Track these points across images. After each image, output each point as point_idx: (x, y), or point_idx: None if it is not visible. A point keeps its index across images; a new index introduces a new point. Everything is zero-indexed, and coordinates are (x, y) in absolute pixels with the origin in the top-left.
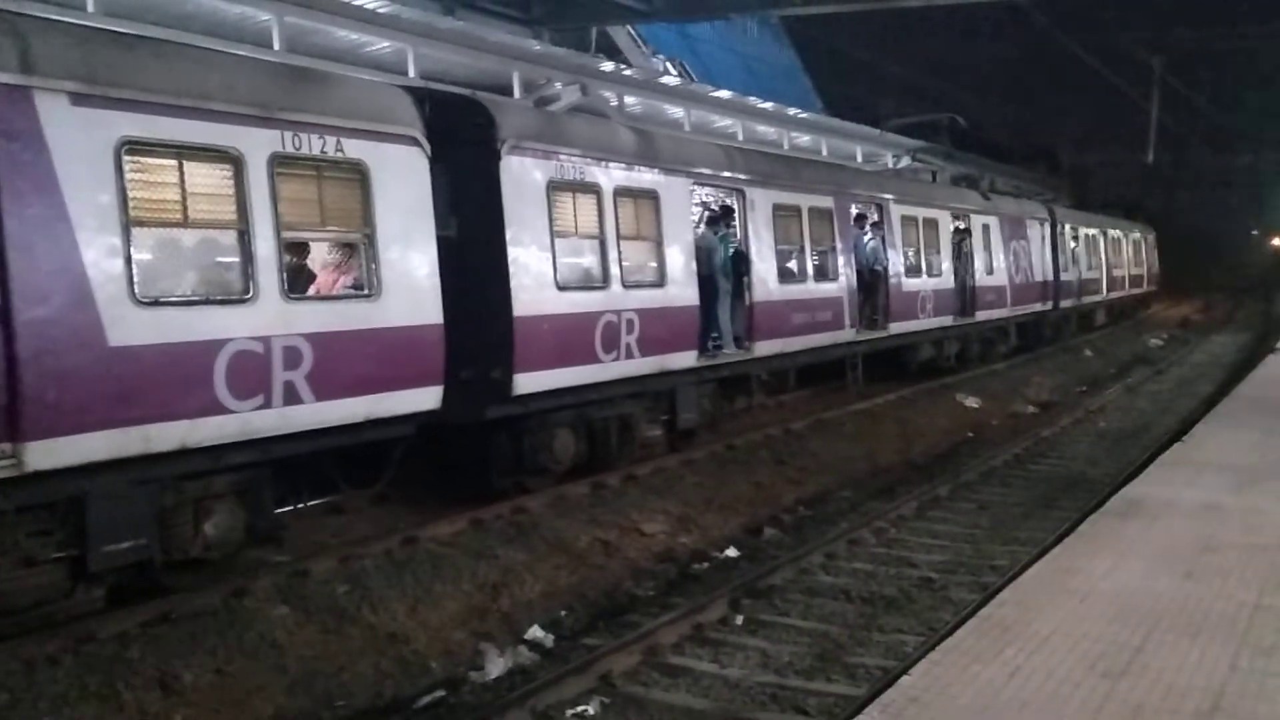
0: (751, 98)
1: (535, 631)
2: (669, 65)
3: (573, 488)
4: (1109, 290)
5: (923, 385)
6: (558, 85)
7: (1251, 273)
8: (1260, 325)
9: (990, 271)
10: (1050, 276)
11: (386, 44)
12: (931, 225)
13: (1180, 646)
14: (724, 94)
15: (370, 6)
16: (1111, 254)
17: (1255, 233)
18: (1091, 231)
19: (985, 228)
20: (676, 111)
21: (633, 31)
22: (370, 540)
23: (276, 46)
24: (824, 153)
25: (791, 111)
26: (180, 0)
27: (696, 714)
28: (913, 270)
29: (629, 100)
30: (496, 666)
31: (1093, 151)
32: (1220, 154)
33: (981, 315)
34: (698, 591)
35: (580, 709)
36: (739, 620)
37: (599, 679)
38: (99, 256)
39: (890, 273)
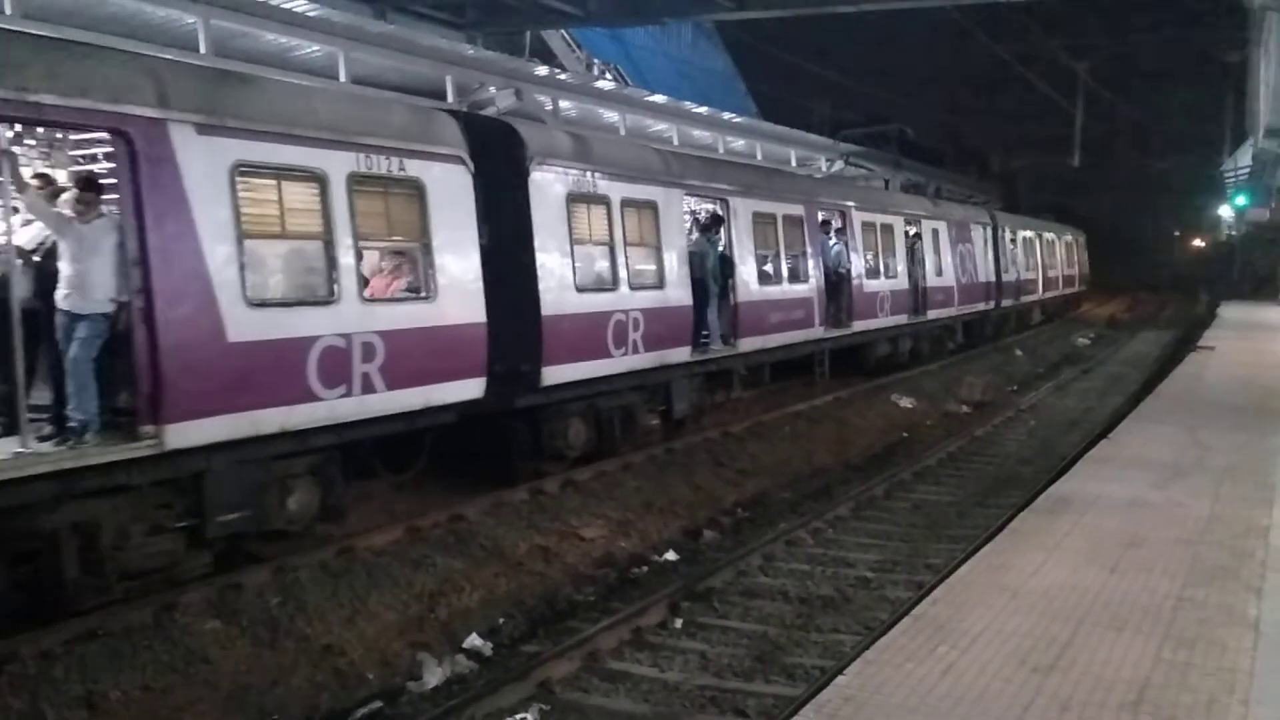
0: (686, 102)
1: (474, 640)
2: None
3: (511, 494)
4: (1044, 290)
5: (859, 387)
6: (492, 90)
7: (1175, 271)
8: (1183, 323)
9: (939, 273)
10: (992, 277)
11: (317, 48)
12: (888, 230)
13: (1107, 640)
14: (659, 98)
15: (299, 9)
16: (1046, 255)
17: (1177, 233)
18: (1028, 234)
19: (935, 232)
20: (612, 116)
21: (567, 36)
22: (304, 550)
23: (202, 50)
24: (758, 157)
25: (726, 116)
26: (103, 2)
27: (636, 718)
28: (872, 272)
29: (564, 105)
30: (435, 676)
31: (1021, 155)
32: (1143, 157)
33: (932, 314)
34: (637, 596)
35: (519, 716)
36: (678, 624)
37: (538, 686)
38: (220, 264)
39: (853, 275)
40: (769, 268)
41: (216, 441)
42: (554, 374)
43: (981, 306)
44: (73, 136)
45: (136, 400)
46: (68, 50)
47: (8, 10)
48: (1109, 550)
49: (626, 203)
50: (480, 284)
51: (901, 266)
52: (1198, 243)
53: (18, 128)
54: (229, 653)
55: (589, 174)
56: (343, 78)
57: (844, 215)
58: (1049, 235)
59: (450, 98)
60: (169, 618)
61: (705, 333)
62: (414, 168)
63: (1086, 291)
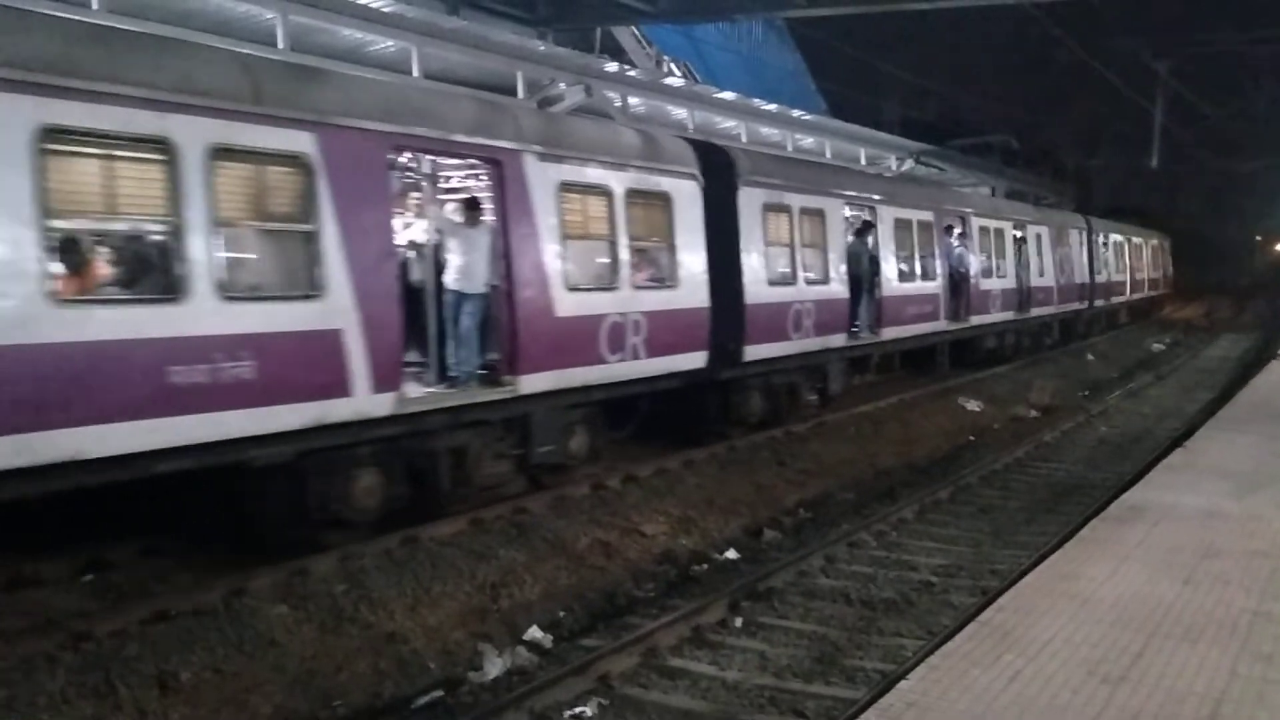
0: (755, 99)
1: (534, 632)
2: (673, 66)
3: (573, 489)
4: (1132, 291)
5: (925, 389)
6: (562, 86)
7: (1255, 276)
8: (1263, 330)
9: (1041, 274)
10: (1087, 279)
11: (391, 43)
12: (1000, 234)
13: (1180, 652)
14: (728, 95)
15: (374, 5)
16: (1134, 259)
17: (1259, 238)
18: (1119, 238)
19: (1038, 236)
20: (680, 112)
21: (637, 32)
22: (370, 539)
23: (280, 45)
24: (828, 154)
25: (795, 113)
26: None
27: (694, 716)
28: (986, 272)
29: (633, 101)
30: (495, 667)
31: (1096, 155)
32: (1224, 159)
33: (1035, 312)
34: (697, 593)
35: (578, 710)
36: (738, 622)
37: (597, 680)
38: (550, 259)
39: (971, 274)
40: (905, 267)
41: (542, 391)
42: (751, 352)
43: (1077, 306)
44: (457, 163)
45: (500, 357)
46: (462, 100)
47: (95, 6)
48: (1183, 561)
49: (804, 211)
50: (706, 276)
51: (1010, 267)
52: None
53: (438, 159)
54: (295, 637)
55: (779, 189)
56: (415, 73)
57: (964, 220)
58: (1137, 239)
59: (520, 93)
60: (238, 601)
61: (856, 323)
62: (665, 184)
63: (1169, 294)
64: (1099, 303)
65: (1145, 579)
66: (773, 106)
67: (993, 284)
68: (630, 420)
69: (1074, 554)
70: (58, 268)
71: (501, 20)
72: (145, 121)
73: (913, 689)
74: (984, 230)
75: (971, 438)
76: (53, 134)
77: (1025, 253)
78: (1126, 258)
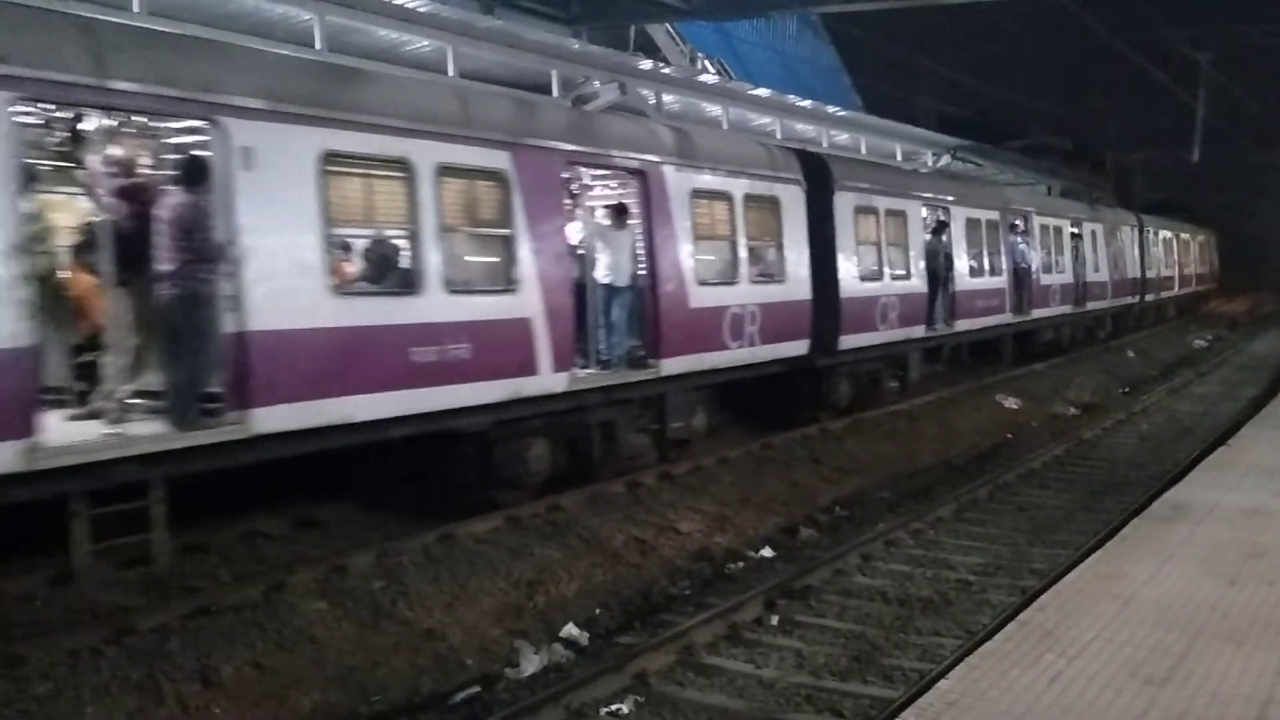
0: (790, 96)
1: (570, 629)
2: (707, 63)
3: (609, 486)
4: (1180, 287)
5: (962, 386)
6: (596, 84)
7: None
8: None
9: (1096, 269)
10: (1138, 274)
11: (426, 43)
12: (1059, 231)
13: (1225, 654)
14: (762, 92)
15: (410, 5)
16: (1182, 255)
17: None
18: (1168, 234)
19: (1093, 233)
20: (715, 109)
21: (671, 30)
22: (406, 536)
23: (318, 46)
24: (863, 150)
25: (830, 109)
26: (224, 0)
27: (731, 714)
28: (1047, 268)
29: (667, 99)
30: (532, 664)
31: (1136, 149)
32: (1267, 152)
33: (1090, 306)
34: (733, 591)
35: (615, 708)
36: (774, 620)
37: (634, 678)
38: (685, 257)
39: (1033, 270)
40: (975, 263)
41: (678, 373)
42: (845, 342)
43: (1129, 300)
44: (607, 173)
45: (645, 343)
46: (616, 120)
47: (136, 8)
48: (1228, 560)
49: (888, 212)
50: (808, 272)
51: (1068, 263)
52: None
53: (595, 170)
54: (334, 633)
55: (866, 192)
56: (451, 72)
57: (1026, 219)
58: (1184, 235)
59: (555, 91)
60: (278, 597)
61: (932, 316)
62: (775, 189)
63: (1213, 290)
64: (1150, 297)
65: (1189, 579)
66: (807, 103)
67: (1052, 279)
68: (732, 404)
69: (1115, 553)
70: (334, 266)
71: (536, 19)
72: (392, 145)
73: (952, 688)
74: (1044, 228)
75: (1010, 435)
76: (332, 158)
77: (1081, 249)
78: (1175, 253)
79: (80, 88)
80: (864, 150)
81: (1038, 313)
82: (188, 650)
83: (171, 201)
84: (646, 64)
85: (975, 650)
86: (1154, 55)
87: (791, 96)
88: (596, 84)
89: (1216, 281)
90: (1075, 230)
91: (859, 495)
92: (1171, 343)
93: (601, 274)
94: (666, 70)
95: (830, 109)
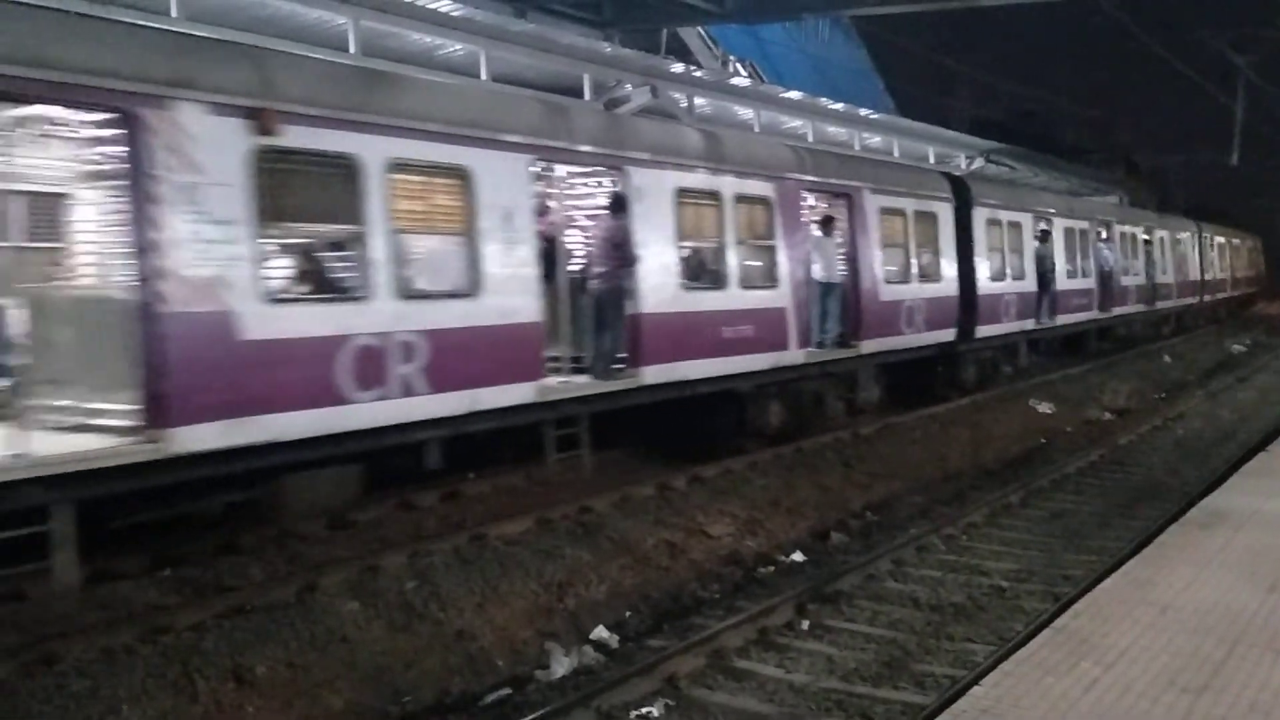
0: (822, 98)
1: (600, 632)
2: (739, 66)
3: (638, 489)
4: (1232, 289)
5: (994, 390)
6: (628, 87)
7: None
8: None
9: (1164, 272)
10: (1198, 276)
11: (459, 47)
12: (1133, 238)
13: (1265, 662)
14: (794, 95)
15: (444, 9)
16: (1233, 258)
17: None
18: (1221, 239)
19: (1161, 239)
20: (746, 112)
21: (703, 33)
22: (438, 537)
23: (352, 50)
24: (895, 153)
25: (863, 112)
26: (261, 4)
27: (761, 718)
28: (1125, 271)
29: (699, 101)
30: (562, 666)
31: (1172, 153)
32: None
33: (1159, 305)
34: (763, 595)
35: (645, 710)
36: (805, 625)
37: (664, 681)
38: (877, 261)
39: (1114, 272)
40: (1070, 266)
41: (871, 352)
42: (980, 331)
43: (1190, 300)
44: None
45: (849, 328)
46: (830, 155)
47: (174, 13)
48: (1268, 568)
49: (1009, 224)
50: (956, 273)
51: (1141, 266)
52: None
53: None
54: (366, 633)
55: (995, 207)
56: (484, 76)
57: (1108, 226)
58: (1235, 240)
59: (587, 95)
60: (310, 597)
61: (1039, 311)
62: (934, 206)
63: (1259, 292)
64: (1208, 298)
65: (1227, 586)
66: (839, 105)
67: (1129, 280)
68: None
69: (1152, 560)
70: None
71: (568, 22)
72: (708, 181)
73: (986, 695)
74: (1124, 235)
75: (1043, 440)
76: (681, 192)
77: (1153, 253)
78: (1228, 257)
79: (563, 150)
80: (896, 153)
81: (1118, 310)
82: (222, 649)
83: (604, 224)
84: (678, 67)
85: (1009, 657)
86: (1192, 57)
87: (823, 99)
88: (628, 87)
89: (1262, 284)
90: (1147, 237)
91: (890, 500)
92: (1209, 347)
93: (818, 273)
94: (698, 73)
95: (862, 112)
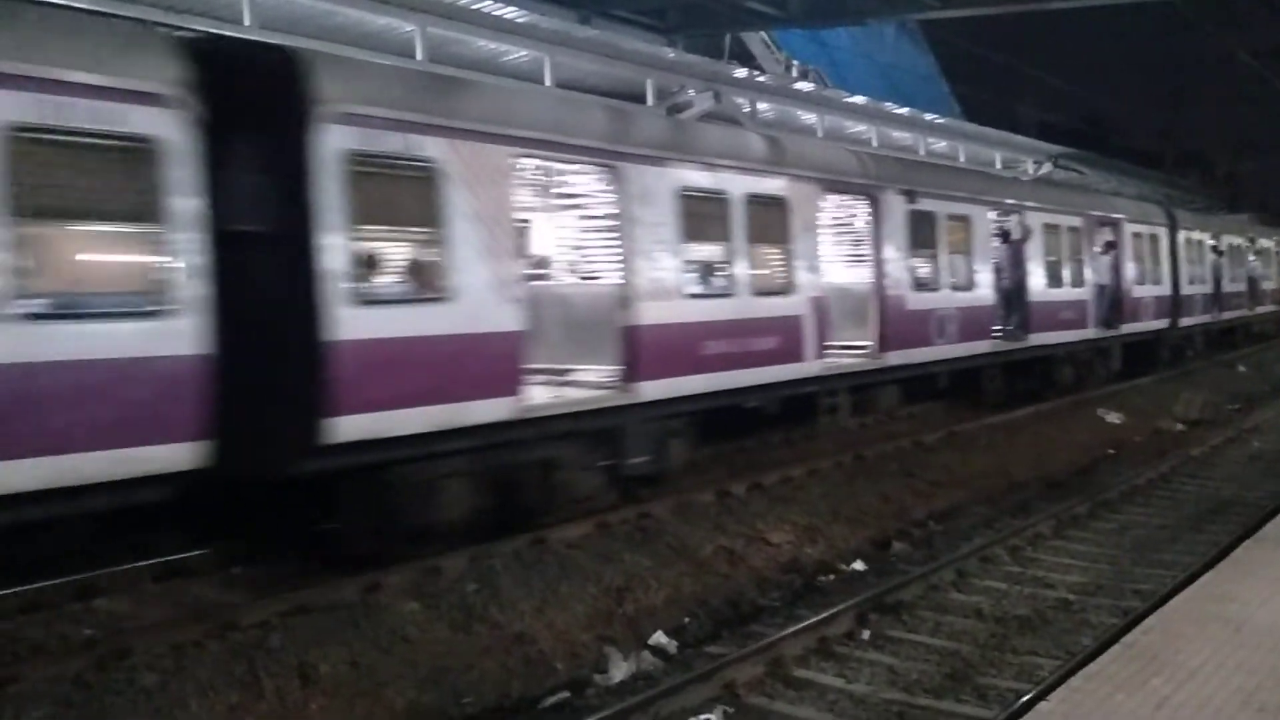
0: (887, 103)
1: (659, 637)
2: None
3: (698, 495)
4: None
5: (1061, 400)
6: (691, 92)
7: None
8: None
9: (1233, 280)
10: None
11: (524, 53)
12: (1239, 249)
13: None
14: (858, 99)
15: (509, 16)
16: None
17: None
18: None
19: (1234, 246)
20: (810, 117)
21: (767, 38)
22: (499, 540)
23: (419, 56)
24: (960, 158)
25: (927, 117)
26: (331, 13)
27: None
28: (1231, 279)
29: (762, 106)
30: (620, 670)
31: (1248, 158)
32: None
33: (1226, 315)
34: (823, 604)
35: (704, 717)
36: (866, 635)
37: (722, 688)
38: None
39: (1224, 280)
40: (1200, 273)
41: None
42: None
43: (1271, 308)
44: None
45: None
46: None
47: (246, 21)
48: None
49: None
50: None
51: (1244, 274)
52: None
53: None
54: (427, 634)
55: (1190, 229)
56: (548, 81)
57: (1218, 240)
58: None
59: (650, 100)
60: (373, 597)
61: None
62: (1156, 230)
63: None
64: None
65: None
66: (904, 110)
67: (1233, 287)
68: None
69: (1226, 576)
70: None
71: (631, 28)
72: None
73: (1053, 711)
74: (1233, 247)
75: (1111, 451)
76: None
77: (1254, 263)
78: None
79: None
80: (962, 158)
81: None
82: (287, 647)
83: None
84: (741, 72)
85: (1077, 672)
86: (1269, 58)
87: (888, 104)
88: (692, 93)
89: None
90: (1219, 244)
91: (953, 509)
92: None
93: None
94: (761, 78)
95: (927, 116)
